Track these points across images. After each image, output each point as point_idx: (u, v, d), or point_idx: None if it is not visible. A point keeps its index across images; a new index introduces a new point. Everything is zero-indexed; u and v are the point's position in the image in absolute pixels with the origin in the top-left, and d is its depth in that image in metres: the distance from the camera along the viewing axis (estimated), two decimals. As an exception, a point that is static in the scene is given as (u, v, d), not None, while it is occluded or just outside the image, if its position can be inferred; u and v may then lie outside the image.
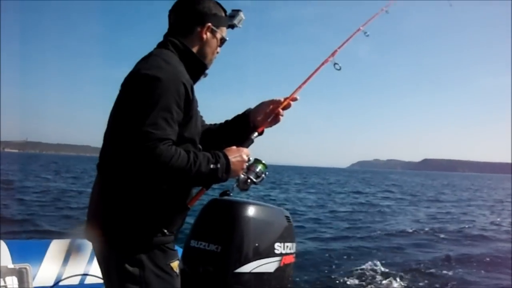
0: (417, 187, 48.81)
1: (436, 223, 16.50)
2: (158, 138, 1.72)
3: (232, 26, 2.24)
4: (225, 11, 2.20)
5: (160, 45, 2.09)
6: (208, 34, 2.11)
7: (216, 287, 2.58)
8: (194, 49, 2.10)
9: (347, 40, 2.60)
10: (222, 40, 2.19)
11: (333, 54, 2.51)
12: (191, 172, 1.77)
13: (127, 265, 1.84)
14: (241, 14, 2.25)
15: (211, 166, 1.83)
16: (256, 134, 2.13)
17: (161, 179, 1.81)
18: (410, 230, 14.07)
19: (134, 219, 1.87)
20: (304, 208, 20.00)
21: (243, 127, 2.26)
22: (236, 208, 2.66)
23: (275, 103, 2.27)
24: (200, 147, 2.10)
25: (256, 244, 2.63)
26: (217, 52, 2.21)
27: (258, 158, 2.06)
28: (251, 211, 2.68)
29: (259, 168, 2.04)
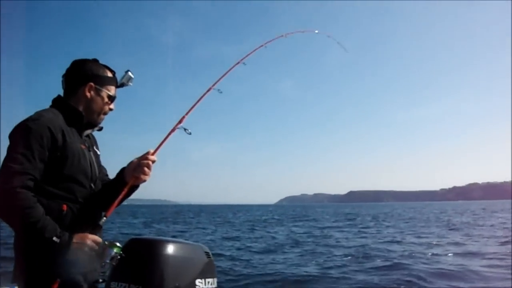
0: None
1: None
2: (17, 172, 1.99)
3: (121, 85, 2.48)
4: (113, 72, 2.45)
5: None
6: (92, 92, 2.35)
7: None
8: (81, 106, 2.35)
9: (193, 106, 2.72)
10: (110, 98, 2.42)
11: (180, 121, 2.64)
12: (33, 228, 2.00)
13: None
14: (129, 74, 2.49)
15: (54, 238, 2.04)
16: (104, 219, 2.27)
17: (5, 217, 2.04)
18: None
19: (34, 265, 2.10)
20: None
21: (119, 185, 2.41)
22: (155, 246, 2.66)
23: (140, 159, 2.41)
24: (92, 185, 2.37)
25: (177, 283, 2.63)
26: (110, 109, 2.45)
27: (112, 241, 2.24)
28: (170, 248, 2.69)
29: (114, 251, 2.20)
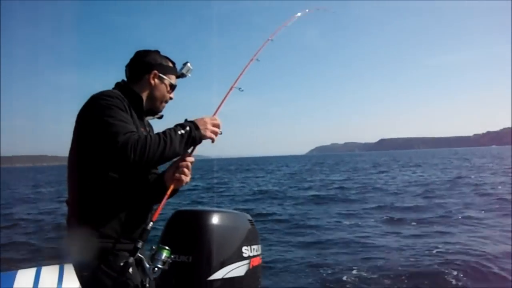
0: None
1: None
2: (124, 132, 2.07)
3: (181, 75, 2.58)
4: (173, 63, 2.55)
5: None
6: (156, 80, 2.46)
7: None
8: (145, 93, 2.45)
9: (218, 108, 2.61)
10: (172, 86, 2.52)
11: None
12: (167, 144, 2.12)
13: (86, 272, 2.10)
14: (188, 65, 2.58)
15: (180, 132, 2.18)
16: (151, 224, 2.22)
17: (148, 162, 2.10)
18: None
19: (93, 235, 2.16)
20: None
21: (160, 189, 2.39)
22: (201, 217, 2.75)
23: (179, 161, 2.40)
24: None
25: (225, 250, 2.73)
26: (171, 98, 2.54)
27: (160, 245, 2.16)
28: (215, 219, 2.77)
29: (164, 254, 2.14)
